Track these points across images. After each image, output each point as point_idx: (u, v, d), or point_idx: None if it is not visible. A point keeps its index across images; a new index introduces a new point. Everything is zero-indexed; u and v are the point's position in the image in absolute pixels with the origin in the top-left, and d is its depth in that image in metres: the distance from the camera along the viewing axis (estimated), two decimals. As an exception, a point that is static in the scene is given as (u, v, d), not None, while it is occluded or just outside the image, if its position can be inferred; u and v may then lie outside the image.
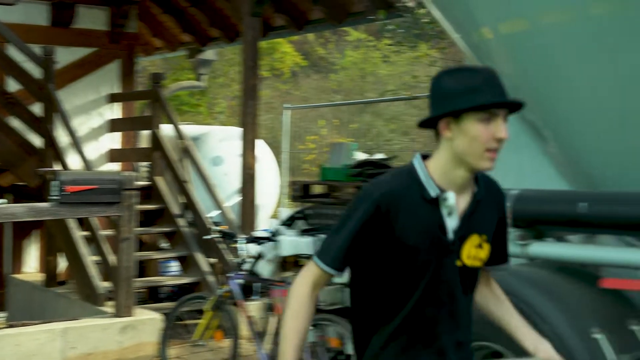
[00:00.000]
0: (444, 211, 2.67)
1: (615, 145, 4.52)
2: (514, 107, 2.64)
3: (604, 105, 4.47)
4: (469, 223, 2.71)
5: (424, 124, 2.72)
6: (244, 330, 7.09)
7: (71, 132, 9.68)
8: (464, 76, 2.63)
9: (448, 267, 2.71)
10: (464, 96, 2.59)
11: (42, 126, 9.99)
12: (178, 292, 9.95)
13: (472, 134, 2.60)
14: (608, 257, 4.35)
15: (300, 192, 8.04)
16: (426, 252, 2.69)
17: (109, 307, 8.17)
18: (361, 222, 2.64)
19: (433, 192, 2.67)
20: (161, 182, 10.43)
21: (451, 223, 2.68)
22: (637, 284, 4.06)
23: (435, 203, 2.67)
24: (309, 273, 2.74)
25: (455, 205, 2.67)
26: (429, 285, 2.70)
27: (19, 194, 10.50)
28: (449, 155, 2.66)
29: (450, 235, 2.70)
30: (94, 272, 8.54)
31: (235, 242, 7.01)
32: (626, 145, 4.46)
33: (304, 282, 2.74)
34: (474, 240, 2.73)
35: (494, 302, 3.03)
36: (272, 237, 7.33)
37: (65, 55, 11.17)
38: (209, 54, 14.84)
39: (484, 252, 2.77)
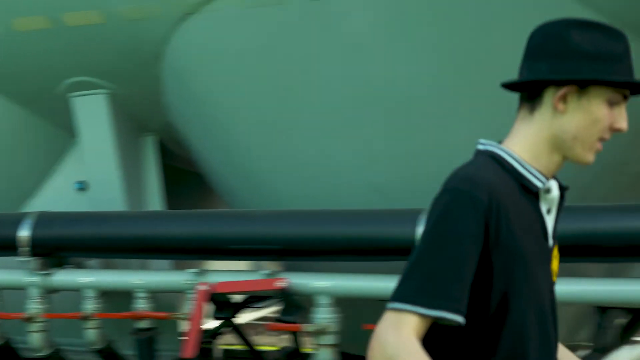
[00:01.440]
0: (544, 207, 1.97)
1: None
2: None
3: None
4: (556, 224, 2.04)
5: (518, 86, 1.98)
6: None
7: None
8: (603, 36, 1.91)
9: (551, 285, 2.01)
10: (605, 64, 1.89)
11: None
12: None
13: (596, 115, 1.90)
14: None
15: None
16: (538, 268, 1.94)
17: None
18: (473, 237, 1.81)
19: (539, 181, 1.92)
20: None
21: (550, 223, 1.99)
22: None
23: (536, 198, 1.94)
24: (410, 329, 1.76)
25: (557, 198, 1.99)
26: (540, 317, 1.96)
27: None
28: (547, 135, 1.93)
29: (550, 240, 1.99)
30: None
31: None
32: None
33: (410, 343, 1.77)
34: (555, 247, 2.07)
35: None
36: None
37: None
38: None
39: (557, 264, 2.09)
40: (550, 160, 1.91)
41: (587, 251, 3.30)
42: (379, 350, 1.76)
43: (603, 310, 3.64)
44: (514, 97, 4.38)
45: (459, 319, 1.74)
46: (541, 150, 1.92)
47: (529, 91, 1.93)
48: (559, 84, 1.87)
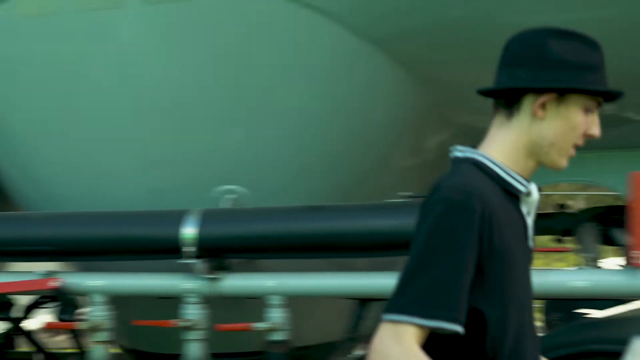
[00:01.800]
0: (524, 209, 2.00)
1: None
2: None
3: None
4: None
5: (494, 92, 1.99)
6: None
7: None
8: (581, 46, 1.96)
9: (531, 286, 2.04)
10: (584, 73, 1.94)
11: None
12: None
13: (573, 122, 1.96)
14: None
15: None
16: (524, 270, 1.98)
17: None
18: (469, 246, 1.80)
19: (522, 186, 1.97)
20: None
21: (529, 224, 2.03)
22: None
23: (517, 201, 1.98)
24: (411, 339, 1.75)
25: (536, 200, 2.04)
26: (529, 317, 2.00)
27: None
28: (525, 141, 1.97)
29: (531, 241, 2.03)
30: None
31: None
32: None
33: (414, 352, 1.75)
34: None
35: None
36: None
37: None
38: None
39: None
40: (527, 166, 1.97)
41: (344, 248, 3.57)
42: None
43: (363, 302, 3.93)
44: (283, 103, 4.59)
45: (458, 328, 1.75)
46: (519, 155, 1.95)
47: (506, 98, 1.96)
48: (539, 91, 1.91)
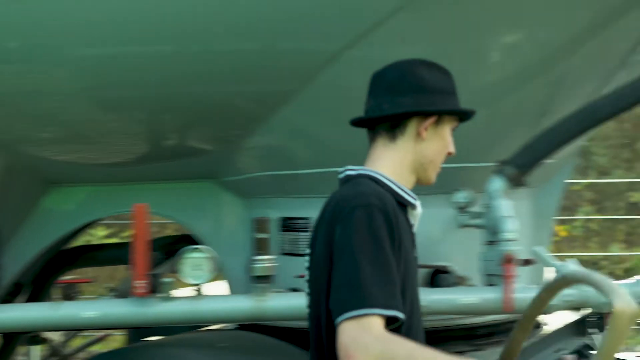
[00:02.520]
0: (411, 221, 2.19)
1: None
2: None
3: None
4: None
5: (383, 119, 2.17)
6: None
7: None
8: (441, 74, 2.19)
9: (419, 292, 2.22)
10: (451, 97, 2.18)
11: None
12: None
13: (446, 141, 2.20)
14: None
15: None
16: (414, 275, 2.14)
17: None
18: (392, 245, 1.97)
19: (412, 198, 2.19)
20: None
21: (414, 235, 2.22)
22: None
23: (405, 212, 2.16)
24: (379, 327, 1.85)
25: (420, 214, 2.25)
26: (417, 321, 2.13)
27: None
28: (410, 159, 2.17)
29: (416, 252, 2.21)
30: None
31: None
32: None
33: (388, 335, 1.85)
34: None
35: None
36: None
37: None
38: None
39: None
40: (409, 181, 2.19)
41: None
42: (362, 354, 1.80)
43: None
44: None
45: (403, 316, 1.92)
46: (404, 172, 2.16)
47: (391, 122, 2.16)
48: (425, 115, 2.14)
